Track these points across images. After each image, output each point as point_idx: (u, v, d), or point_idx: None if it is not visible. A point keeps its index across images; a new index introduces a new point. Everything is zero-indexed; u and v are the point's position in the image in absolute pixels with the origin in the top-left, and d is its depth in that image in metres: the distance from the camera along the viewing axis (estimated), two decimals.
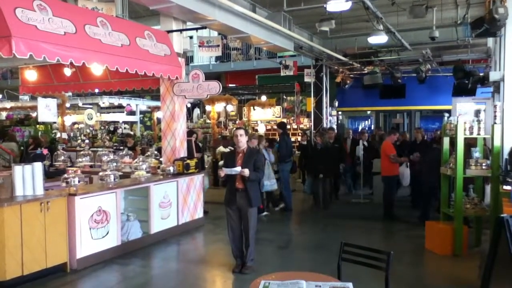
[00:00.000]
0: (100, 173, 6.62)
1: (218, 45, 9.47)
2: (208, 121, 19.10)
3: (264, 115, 19.30)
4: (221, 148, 13.23)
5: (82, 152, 8.54)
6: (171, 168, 7.58)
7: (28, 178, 5.38)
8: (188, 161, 7.75)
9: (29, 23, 4.99)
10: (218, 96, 14.72)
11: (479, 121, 6.09)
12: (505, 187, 5.40)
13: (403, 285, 5.13)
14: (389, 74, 14.88)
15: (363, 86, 14.90)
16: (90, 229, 5.87)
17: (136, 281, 5.46)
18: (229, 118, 20.46)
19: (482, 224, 6.48)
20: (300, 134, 16.01)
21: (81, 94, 17.69)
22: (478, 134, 6.13)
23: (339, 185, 11.34)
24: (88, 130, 19.58)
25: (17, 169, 5.38)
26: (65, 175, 6.21)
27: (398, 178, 9.21)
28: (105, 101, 20.03)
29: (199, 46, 9.57)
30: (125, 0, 8.73)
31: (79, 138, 17.36)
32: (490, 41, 11.02)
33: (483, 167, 6.07)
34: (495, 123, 5.95)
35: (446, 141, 6.83)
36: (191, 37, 8.87)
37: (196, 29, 8.48)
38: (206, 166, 11.37)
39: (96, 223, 5.95)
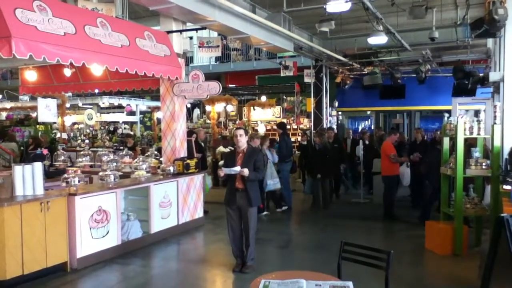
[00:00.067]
0: (100, 173, 6.62)
1: (218, 46, 9.48)
2: (208, 121, 19.11)
3: (264, 116, 19.31)
4: (221, 148, 13.24)
5: (82, 152, 8.55)
6: (171, 168, 7.59)
7: (28, 178, 5.39)
8: (188, 161, 7.75)
9: (29, 24, 4.99)
10: (218, 96, 14.75)
11: (479, 121, 6.10)
12: (505, 186, 5.41)
13: (403, 284, 5.13)
14: (389, 75, 14.88)
15: (363, 86, 14.91)
16: (90, 228, 5.87)
17: (136, 280, 5.46)
18: (229, 119, 20.47)
19: (482, 224, 6.49)
20: (300, 134, 16.01)
21: (81, 94, 17.72)
22: (478, 134, 6.14)
23: (339, 184, 11.33)
24: (88, 130, 19.58)
25: (17, 169, 5.38)
26: (65, 175, 6.22)
27: (398, 178, 9.22)
28: (105, 101, 20.04)
29: (199, 46, 9.58)
30: (125, 1, 8.75)
31: (79, 138, 17.36)
32: (489, 41, 11.03)
33: (483, 167, 6.07)
34: (495, 123, 5.96)
35: (446, 141, 6.84)
36: (191, 38, 8.87)
37: (196, 29, 8.49)
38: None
39: (96, 222, 5.95)
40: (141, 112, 22.61)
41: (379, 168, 9.41)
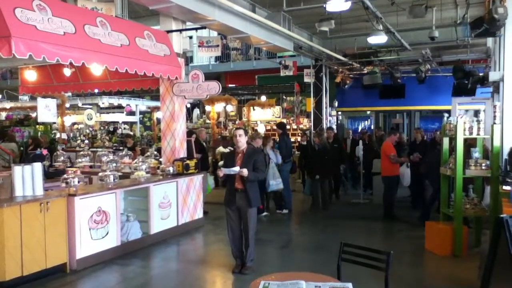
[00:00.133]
0: (100, 174, 6.62)
1: (218, 45, 9.46)
2: (207, 121, 19.11)
3: (263, 115, 19.30)
4: (221, 148, 13.25)
5: (81, 153, 8.53)
6: (171, 169, 7.58)
7: (27, 178, 5.38)
8: (188, 161, 7.74)
9: (29, 23, 4.99)
10: (218, 96, 14.75)
11: (478, 121, 6.09)
12: (504, 187, 5.41)
13: (403, 285, 5.13)
14: (389, 74, 14.87)
15: (362, 86, 14.90)
16: (89, 229, 5.86)
17: (136, 281, 5.46)
18: (229, 118, 20.46)
19: (482, 225, 6.48)
20: (300, 134, 16.01)
21: (81, 94, 17.69)
22: (478, 134, 6.13)
23: (339, 185, 11.30)
24: (87, 131, 19.57)
25: (17, 170, 5.38)
26: (65, 176, 6.21)
27: (398, 179, 9.20)
28: (104, 101, 20.02)
29: (199, 46, 9.56)
30: (125, 0, 8.73)
31: (79, 138, 17.35)
32: (489, 41, 11.02)
33: (483, 168, 6.07)
34: (494, 123, 5.95)
35: (445, 141, 6.83)
36: (190, 37, 8.87)
37: (196, 29, 8.48)
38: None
39: (95, 223, 5.94)
40: (140, 112, 22.60)
41: (379, 168, 9.41)
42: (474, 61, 14.84)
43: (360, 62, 14.12)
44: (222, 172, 5.41)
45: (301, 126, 17.53)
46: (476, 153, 6.22)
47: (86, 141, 16.19)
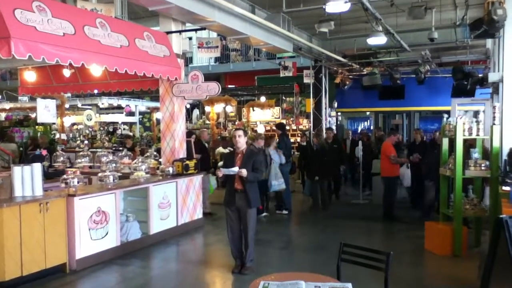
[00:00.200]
0: (99, 174, 6.62)
1: (217, 46, 9.48)
2: (207, 122, 19.11)
3: (263, 116, 19.31)
4: (220, 149, 13.24)
5: (81, 153, 8.54)
6: (170, 169, 7.58)
7: (27, 179, 5.37)
8: (187, 162, 7.74)
9: (28, 24, 4.99)
10: (217, 97, 14.75)
11: (478, 122, 6.10)
12: (504, 187, 5.42)
13: (403, 285, 5.13)
14: (388, 75, 14.89)
15: (362, 87, 14.92)
16: (89, 229, 5.86)
17: (136, 282, 5.45)
18: (228, 119, 20.47)
19: (482, 225, 6.49)
20: (299, 135, 16.01)
21: (80, 95, 17.70)
22: (477, 135, 6.13)
23: (339, 186, 11.26)
24: (87, 131, 19.57)
25: (16, 170, 5.37)
26: (64, 176, 6.21)
27: (398, 179, 9.21)
28: (104, 102, 20.02)
29: (198, 47, 9.58)
30: (124, 1, 8.74)
31: (78, 139, 17.36)
32: (489, 42, 11.04)
33: (482, 168, 6.07)
34: (494, 124, 5.96)
35: (445, 142, 6.83)
36: (190, 38, 8.89)
37: (195, 30, 8.49)
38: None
39: (95, 223, 5.94)
40: (140, 113, 22.59)
41: (379, 169, 9.41)
42: (473, 62, 14.86)
43: (359, 63, 14.13)
44: (221, 172, 5.42)
45: (300, 126, 17.54)
46: (476, 154, 6.23)
47: (86, 142, 16.19)
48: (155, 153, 8.55)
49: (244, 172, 5.27)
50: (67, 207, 5.60)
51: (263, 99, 19.15)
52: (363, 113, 19.80)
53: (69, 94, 15.76)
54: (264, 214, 9.04)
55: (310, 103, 15.25)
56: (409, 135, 17.55)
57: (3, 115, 17.79)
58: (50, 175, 7.25)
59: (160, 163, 8.07)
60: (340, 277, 3.48)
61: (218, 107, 18.04)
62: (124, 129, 21.73)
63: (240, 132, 5.58)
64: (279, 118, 18.89)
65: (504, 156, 6.00)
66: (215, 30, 9.14)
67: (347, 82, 16.19)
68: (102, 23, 6.21)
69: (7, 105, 17.37)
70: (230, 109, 19.78)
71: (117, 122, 22.72)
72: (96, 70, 8.29)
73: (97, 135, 19.04)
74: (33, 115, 15.64)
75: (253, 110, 19.14)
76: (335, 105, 17.46)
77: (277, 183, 8.74)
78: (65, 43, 5.39)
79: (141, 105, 21.87)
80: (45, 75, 9.66)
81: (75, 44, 5.56)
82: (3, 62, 8.08)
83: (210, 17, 7.75)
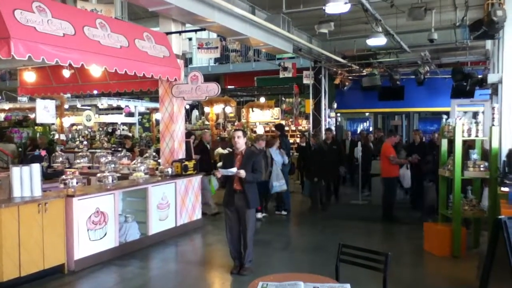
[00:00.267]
0: (98, 175, 6.62)
1: (217, 47, 9.48)
2: (206, 122, 19.10)
3: (262, 117, 19.31)
4: (220, 150, 13.23)
5: (80, 154, 8.54)
6: (169, 170, 7.58)
7: (26, 179, 5.37)
8: (187, 162, 7.74)
9: (28, 25, 4.99)
10: (217, 97, 14.75)
11: (477, 123, 6.11)
12: (503, 188, 5.41)
13: (401, 286, 5.13)
14: (388, 76, 14.90)
15: (361, 88, 14.93)
16: (88, 230, 5.86)
17: (134, 282, 5.45)
18: (228, 120, 20.46)
19: (481, 226, 6.49)
20: (298, 135, 16.02)
21: (80, 95, 17.69)
22: (476, 136, 6.14)
23: (339, 187, 11.18)
24: (86, 132, 19.56)
25: (15, 171, 5.37)
26: (63, 177, 6.20)
27: (398, 180, 9.20)
28: (103, 102, 20.02)
29: (198, 47, 9.58)
30: (124, 2, 8.75)
31: (77, 139, 17.34)
32: (488, 43, 11.05)
33: (481, 169, 6.08)
34: (493, 125, 5.97)
35: (444, 143, 6.83)
36: (190, 39, 8.90)
37: (195, 31, 8.50)
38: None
39: (94, 224, 5.94)
40: (139, 114, 22.59)
41: (378, 169, 9.41)
42: (473, 63, 14.87)
43: (359, 64, 14.14)
44: (219, 173, 5.42)
45: (300, 127, 17.55)
46: (475, 155, 6.23)
47: (85, 142, 16.19)
48: (154, 153, 8.55)
49: (242, 173, 5.27)
50: (66, 208, 5.59)
51: (262, 100, 19.16)
52: (363, 114, 19.81)
53: (69, 95, 15.75)
54: (263, 214, 9.03)
55: (309, 104, 15.25)
56: (408, 136, 17.56)
57: (2, 115, 17.76)
58: (49, 176, 7.25)
59: (159, 163, 8.06)
60: (338, 278, 3.48)
61: (218, 108, 18.05)
62: (123, 129, 21.72)
63: (240, 133, 5.58)
64: (278, 119, 18.90)
65: (503, 157, 6.00)
66: (215, 31, 9.15)
67: (347, 83, 16.20)
68: (102, 23, 6.22)
69: (6, 106, 17.37)
70: (230, 109, 19.79)
71: (117, 123, 22.70)
72: (95, 71, 8.29)
73: (96, 136, 19.03)
74: (32, 116, 15.61)
75: (253, 111, 19.15)
76: (335, 106, 17.46)
77: (279, 184, 8.73)
78: (65, 43, 5.39)
79: (141, 105, 21.87)
80: (45, 75, 9.65)
81: (75, 45, 5.56)
82: (3, 62, 8.08)
83: (210, 17, 7.75)
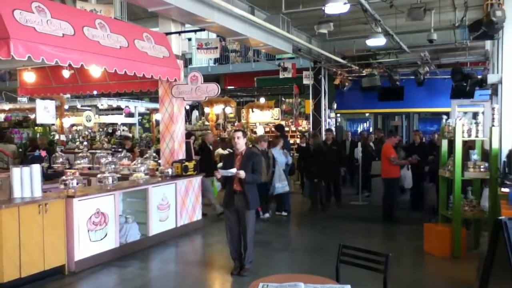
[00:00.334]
0: (99, 175, 6.62)
1: (217, 47, 9.49)
2: (206, 123, 19.11)
3: (262, 117, 19.32)
4: (220, 150, 13.24)
5: (80, 154, 8.53)
6: (170, 170, 7.57)
7: (26, 180, 5.36)
8: (187, 163, 7.74)
9: (28, 25, 4.99)
10: (217, 98, 14.76)
11: (477, 124, 6.11)
12: (503, 189, 5.41)
13: (402, 287, 5.13)
14: (388, 77, 14.91)
15: (361, 88, 14.94)
16: (88, 231, 5.85)
17: (135, 283, 5.45)
18: (228, 120, 20.47)
19: (481, 226, 6.49)
20: (299, 136, 16.03)
21: (80, 96, 17.66)
22: (476, 136, 6.14)
23: (340, 189, 10.70)
24: (86, 132, 19.55)
25: (15, 171, 5.36)
26: (63, 177, 6.19)
27: (398, 181, 9.19)
28: (103, 103, 20.02)
29: (198, 48, 9.59)
30: (124, 2, 8.75)
31: (78, 140, 17.32)
32: (488, 43, 11.06)
33: (481, 170, 6.07)
34: (493, 125, 5.97)
35: (444, 143, 6.83)
36: (189, 39, 8.90)
37: (195, 31, 8.50)
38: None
39: (94, 225, 5.93)
40: (139, 114, 22.59)
41: (378, 170, 9.40)
42: (472, 64, 14.88)
43: (359, 65, 14.15)
44: (219, 174, 5.42)
45: (300, 128, 17.55)
46: (475, 155, 6.22)
47: (85, 143, 16.16)
48: (154, 154, 8.55)
49: (242, 173, 5.27)
50: (66, 209, 5.59)
51: (262, 100, 19.17)
52: (362, 115, 19.82)
53: (69, 95, 15.74)
54: (267, 215, 9.01)
55: (309, 105, 15.26)
56: (408, 136, 17.58)
57: (2, 116, 17.77)
58: (49, 176, 7.24)
59: (159, 164, 8.06)
60: (339, 279, 3.48)
61: (218, 108, 18.07)
62: (123, 130, 21.72)
63: (239, 134, 5.57)
64: (278, 119, 18.90)
65: (503, 158, 6.00)
66: (215, 31, 9.15)
67: (347, 84, 16.20)
68: (101, 24, 6.22)
69: (6, 106, 17.37)
70: (230, 110, 19.80)
71: (117, 123, 22.70)
72: (95, 71, 8.30)
73: (96, 136, 19.02)
74: (32, 116, 15.62)
75: (253, 111, 19.16)
76: (335, 106, 17.48)
77: (281, 185, 8.72)
78: (64, 44, 5.39)
79: (141, 106, 21.87)
80: (45, 76, 9.65)
81: (75, 45, 5.56)
82: (3, 63, 8.08)
83: (210, 18, 7.75)
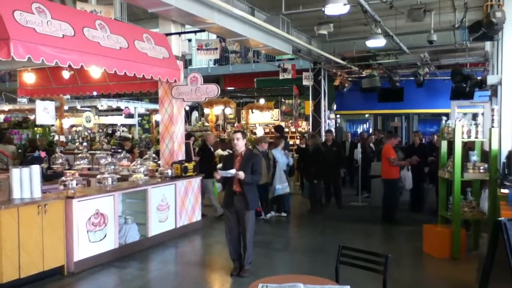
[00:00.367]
0: (98, 176, 6.61)
1: (216, 48, 9.49)
2: (206, 124, 19.12)
3: (262, 118, 19.34)
4: (219, 151, 13.23)
5: (80, 155, 8.52)
6: (169, 171, 7.57)
7: (25, 180, 5.36)
8: (186, 164, 7.74)
9: (28, 26, 4.99)
10: (217, 99, 14.79)
11: (477, 125, 6.11)
12: (502, 190, 5.41)
13: None
14: (387, 78, 14.91)
15: (361, 89, 14.94)
16: (87, 232, 5.85)
17: (134, 284, 5.44)
18: (228, 121, 20.49)
19: (480, 227, 6.49)
20: (298, 137, 16.03)
21: (79, 96, 17.66)
22: (476, 137, 6.14)
23: (340, 191, 10.54)
24: (86, 133, 19.55)
25: (15, 172, 5.36)
26: (63, 178, 6.19)
27: (399, 182, 9.19)
28: (103, 103, 20.04)
29: (198, 49, 9.59)
30: (124, 3, 8.75)
31: (77, 140, 17.31)
32: (487, 44, 11.06)
33: (481, 171, 6.07)
34: (492, 126, 5.97)
35: (444, 144, 6.83)
36: (189, 40, 8.89)
37: (195, 32, 8.50)
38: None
39: (93, 226, 5.93)
40: (139, 115, 22.61)
41: (378, 171, 9.40)
42: (472, 65, 14.88)
43: (358, 66, 14.15)
44: (218, 174, 5.42)
45: (299, 129, 17.56)
46: (474, 156, 6.22)
47: (85, 144, 16.15)
48: (154, 155, 8.55)
49: (241, 174, 5.27)
50: (66, 209, 5.59)
51: (262, 101, 19.18)
52: (362, 116, 19.82)
53: (68, 96, 15.75)
54: (269, 215, 9.00)
55: (309, 105, 15.26)
56: (408, 137, 17.58)
57: (2, 116, 17.79)
58: (49, 177, 7.25)
59: (159, 165, 8.06)
60: (338, 280, 3.48)
61: (217, 109, 18.08)
62: (123, 131, 21.73)
63: (239, 135, 5.57)
64: (278, 120, 18.92)
65: (503, 159, 6.00)
66: (215, 32, 9.15)
67: (346, 85, 16.21)
68: (101, 25, 6.22)
69: (6, 107, 17.38)
70: (229, 111, 19.82)
71: (116, 124, 22.72)
72: (95, 72, 8.30)
73: (96, 137, 19.01)
74: (32, 117, 15.63)
75: (252, 112, 19.17)
76: (334, 107, 17.48)
77: (281, 187, 8.71)
78: (64, 44, 5.40)
79: (140, 107, 21.89)
80: (44, 76, 9.66)
81: (75, 46, 5.56)
82: (2, 63, 8.06)
83: (210, 19, 7.75)
